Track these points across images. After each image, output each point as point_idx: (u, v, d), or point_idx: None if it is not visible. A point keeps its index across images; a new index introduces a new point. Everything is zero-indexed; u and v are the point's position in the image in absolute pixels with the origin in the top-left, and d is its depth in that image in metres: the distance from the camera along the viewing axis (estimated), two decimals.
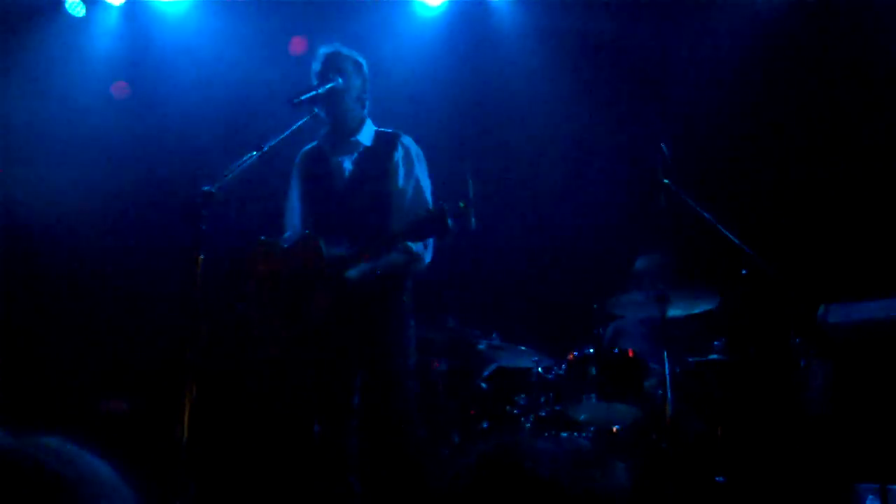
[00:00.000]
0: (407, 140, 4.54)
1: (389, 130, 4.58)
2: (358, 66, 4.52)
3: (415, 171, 4.46)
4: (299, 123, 3.93)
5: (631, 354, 5.37)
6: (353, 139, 4.53)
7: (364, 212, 4.38)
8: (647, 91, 6.83)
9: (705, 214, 5.15)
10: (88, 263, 7.02)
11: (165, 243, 4.38)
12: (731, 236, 5.05)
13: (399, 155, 4.46)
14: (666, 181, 5.01)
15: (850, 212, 6.26)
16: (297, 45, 6.78)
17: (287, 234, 4.55)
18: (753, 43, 6.51)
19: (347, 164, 4.53)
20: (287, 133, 3.80)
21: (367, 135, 4.54)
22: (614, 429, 5.18)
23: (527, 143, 7.23)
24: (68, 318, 6.93)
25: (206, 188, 3.26)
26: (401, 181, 4.41)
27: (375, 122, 4.62)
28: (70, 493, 1.33)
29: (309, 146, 4.63)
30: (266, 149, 3.66)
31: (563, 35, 6.92)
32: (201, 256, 3.17)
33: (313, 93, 4.06)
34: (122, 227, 6.88)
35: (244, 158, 3.53)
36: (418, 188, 4.45)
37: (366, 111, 4.57)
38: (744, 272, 4.99)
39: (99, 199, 6.88)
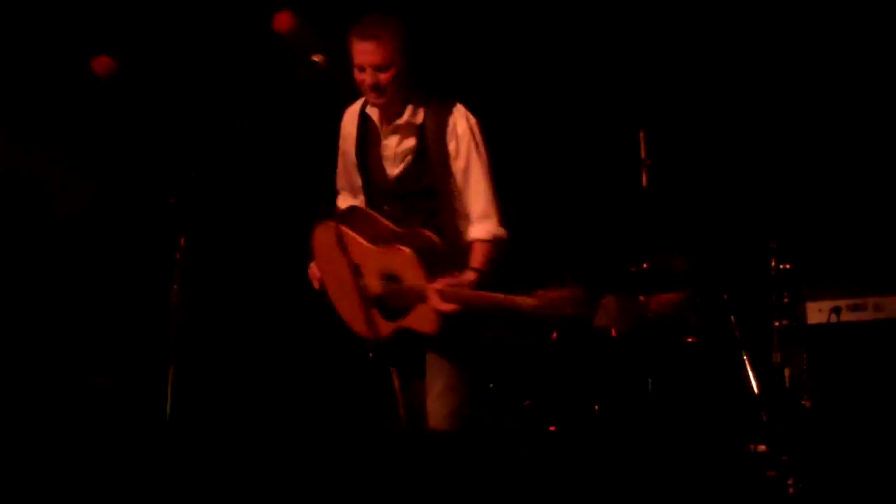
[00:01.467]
0: (461, 116, 4.11)
1: (439, 97, 4.17)
2: (398, 42, 4.05)
3: (469, 151, 4.09)
4: (283, 105, 3.91)
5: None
6: (401, 119, 4.14)
7: (417, 202, 4.15)
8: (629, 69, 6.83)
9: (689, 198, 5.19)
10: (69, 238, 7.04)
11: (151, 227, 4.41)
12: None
13: (453, 132, 4.09)
14: (649, 162, 5.02)
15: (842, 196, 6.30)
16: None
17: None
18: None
19: (400, 148, 4.20)
20: (268, 115, 3.79)
21: (413, 110, 4.13)
22: None
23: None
24: (51, 294, 6.94)
25: (189, 171, 3.27)
26: (455, 164, 4.09)
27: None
28: None
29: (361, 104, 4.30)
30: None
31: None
32: (185, 241, 3.19)
33: (299, 76, 4.03)
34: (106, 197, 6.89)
35: (226, 139, 3.53)
36: (474, 171, 4.09)
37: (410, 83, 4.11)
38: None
39: (82, 173, 6.88)
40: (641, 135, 4.95)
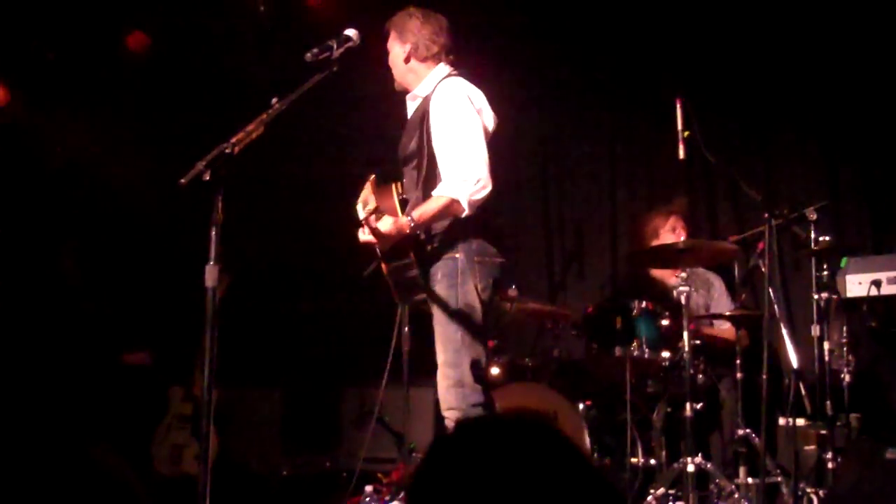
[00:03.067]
0: (444, 85, 4.32)
1: (453, 76, 4.38)
2: (400, 29, 4.44)
3: (443, 119, 4.21)
4: (315, 81, 3.88)
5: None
6: (416, 92, 4.45)
7: (411, 170, 4.34)
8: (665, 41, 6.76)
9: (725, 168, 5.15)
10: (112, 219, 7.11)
11: (185, 204, 4.40)
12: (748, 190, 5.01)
13: (433, 104, 4.27)
14: (686, 133, 4.95)
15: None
16: None
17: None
18: None
19: (409, 114, 4.50)
20: (301, 91, 3.76)
21: (425, 85, 4.41)
22: None
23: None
24: (92, 271, 7.00)
25: (223, 147, 3.25)
26: (433, 132, 4.23)
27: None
28: None
29: None
30: (281, 107, 3.62)
31: None
32: (218, 214, 3.17)
33: (327, 53, 4.01)
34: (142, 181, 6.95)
35: (260, 116, 3.50)
36: (446, 142, 4.21)
37: (423, 62, 4.42)
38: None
39: (114, 153, 6.94)
40: (678, 104, 4.87)
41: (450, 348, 4.18)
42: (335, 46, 4.10)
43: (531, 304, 6.13)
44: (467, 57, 4.53)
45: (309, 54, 3.99)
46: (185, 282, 4.22)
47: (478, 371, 4.20)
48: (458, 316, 4.18)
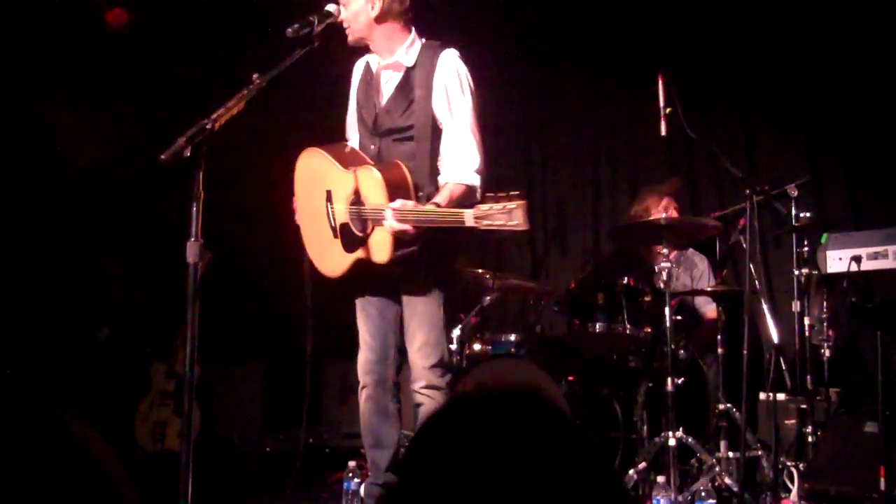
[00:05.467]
0: (448, 58, 4.20)
1: (436, 44, 4.26)
2: None
3: (454, 95, 4.13)
4: (296, 57, 3.86)
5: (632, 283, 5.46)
6: (391, 60, 4.28)
7: (401, 144, 4.19)
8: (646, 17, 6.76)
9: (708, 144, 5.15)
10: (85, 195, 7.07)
11: (165, 180, 4.38)
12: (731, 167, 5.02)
13: (439, 78, 4.15)
14: (668, 110, 4.95)
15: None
16: None
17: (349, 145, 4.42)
18: None
19: (387, 86, 4.31)
20: (283, 67, 3.74)
21: (406, 53, 4.24)
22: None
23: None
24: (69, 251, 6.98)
25: (203, 123, 3.23)
26: (437, 107, 4.13)
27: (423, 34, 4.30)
28: None
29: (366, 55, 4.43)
30: (262, 82, 3.60)
31: None
32: (199, 190, 3.15)
33: (308, 28, 3.99)
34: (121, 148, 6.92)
35: (241, 92, 3.49)
36: (456, 116, 4.13)
37: (398, 26, 4.23)
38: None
39: (93, 129, 6.90)
40: (660, 80, 4.87)
41: (434, 328, 4.18)
42: (316, 22, 4.08)
43: (513, 280, 6.15)
44: (445, 34, 4.47)
45: (290, 30, 3.98)
46: (167, 258, 4.22)
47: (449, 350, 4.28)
48: (444, 297, 4.19)
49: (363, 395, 4.39)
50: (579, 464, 1.33)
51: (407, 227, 3.85)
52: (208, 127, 3.24)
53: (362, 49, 4.41)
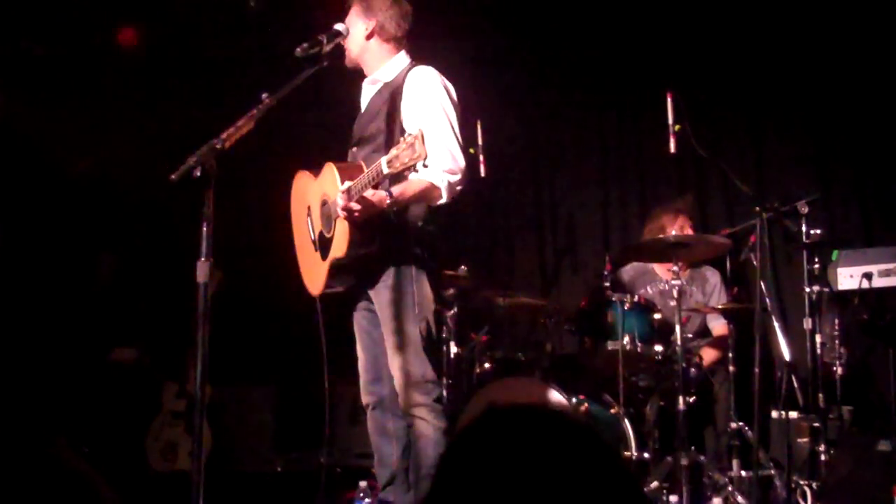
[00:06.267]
0: (418, 71, 4.26)
1: (412, 63, 4.34)
2: (367, 4, 4.33)
3: (424, 106, 4.16)
4: (305, 76, 3.87)
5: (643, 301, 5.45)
6: (374, 75, 4.39)
7: (371, 153, 4.19)
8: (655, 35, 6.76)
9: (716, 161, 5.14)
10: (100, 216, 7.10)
11: (176, 198, 4.39)
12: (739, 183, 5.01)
13: (407, 89, 4.21)
14: (677, 128, 4.95)
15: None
16: None
17: None
18: None
19: (365, 100, 4.44)
20: (292, 86, 3.75)
21: (388, 70, 4.35)
22: None
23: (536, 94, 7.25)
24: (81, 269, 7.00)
25: (213, 142, 3.23)
26: (407, 117, 4.16)
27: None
28: None
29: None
30: (272, 101, 3.61)
31: None
32: (209, 209, 3.15)
33: (317, 48, 4.02)
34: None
35: (251, 111, 3.50)
36: (427, 125, 4.04)
37: (385, 43, 4.35)
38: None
39: (104, 149, 6.94)
40: (669, 97, 4.87)
41: (410, 346, 4.15)
42: (325, 42, 4.13)
43: (523, 298, 6.14)
44: (448, 53, 4.50)
45: (299, 49, 4.01)
46: (178, 278, 4.23)
47: (437, 367, 4.24)
48: (417, 312, 4.17)
49: (367, 415, 4.42)
50: (612, 484, 1.32)
51: (354, 205, 3.88)
52: (218, 146, 3.25)
53: None
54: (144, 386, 6.83)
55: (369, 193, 3.87)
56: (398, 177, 3.99)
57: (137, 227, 7.28)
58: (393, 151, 3.64)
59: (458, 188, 4.17)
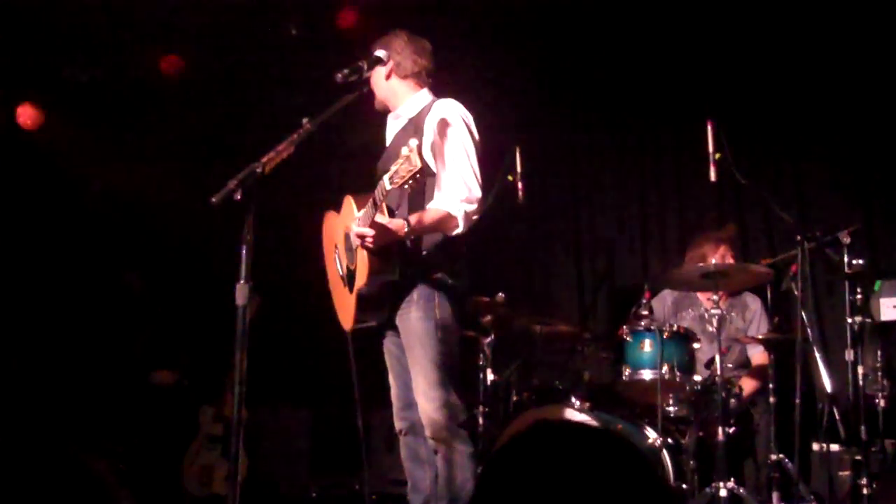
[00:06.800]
0: (439, 104, 4.28)
1: (434, 98, 4.36)
2: (384, 45, 4.37)
3: (443, 137, 4.16)
4: (345, 102, 3.90)
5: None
6: (399, 111, 4.42)
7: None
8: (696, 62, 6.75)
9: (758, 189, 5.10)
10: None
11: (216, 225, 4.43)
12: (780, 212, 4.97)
13: (428, 122, 4.23)
14: (717, 156, 4.93)
15: None
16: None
17: None
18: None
19: (390, 135, 4.48)
20: (332, 112, 3.78)
21: (412, 106, 4.39)
22: None
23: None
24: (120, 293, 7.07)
25: (253, 166, 3.26)
26: (427, 150, 4.14)
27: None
28: None
29: None
30: (312, 126, 3.64)
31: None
32: (251, 237, 3.17)
33: (356, 69, 4.06)
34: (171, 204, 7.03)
35: (291, 136, 3.52)
36: (446, 155, 4.16)
37: (403, 80, 4.39)
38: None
39: (147, 174, 7.03)
40: (709, 125, 4.85)
41: (433, 370, 4.16)
42: (365, 67, 4.17)
43: (561, 326, 6.11)
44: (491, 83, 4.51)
45: (339, 75, 4.05)
46: (217, 301, 4.25)
47: (461, 391, 4.24)
48: (440, 337, 4.17)
49: (400, 441, 4.45)
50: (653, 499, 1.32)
51: (368, 230, 3.92)
52: (258, 171, 3.28)
53: None
54: (182, 409, 6.86)
55: (386, 221, 3.93)
56: (416, 206, 4.08)
57: (175, 251, 7.34)
58: (392, 168, 3.69)
59: (475, 217, 4.20)
